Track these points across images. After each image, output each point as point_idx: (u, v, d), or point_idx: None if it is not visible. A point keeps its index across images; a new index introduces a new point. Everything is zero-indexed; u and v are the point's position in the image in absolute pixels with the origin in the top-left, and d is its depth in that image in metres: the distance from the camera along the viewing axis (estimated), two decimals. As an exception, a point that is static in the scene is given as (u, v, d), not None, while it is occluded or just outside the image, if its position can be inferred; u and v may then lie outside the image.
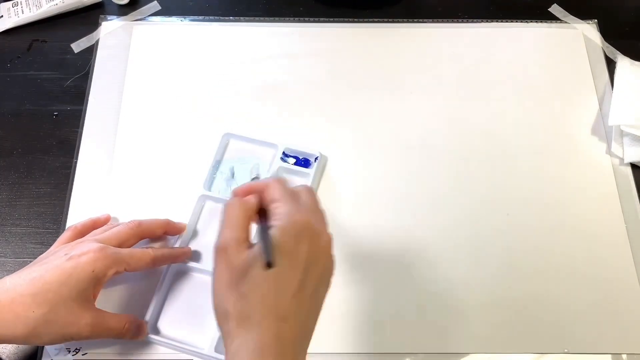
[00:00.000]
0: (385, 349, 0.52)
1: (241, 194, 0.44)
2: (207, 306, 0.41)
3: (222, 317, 0.39)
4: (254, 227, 0.42)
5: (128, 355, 0.51)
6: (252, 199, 0.43)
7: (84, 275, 0.45)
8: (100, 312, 0.47)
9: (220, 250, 0.40)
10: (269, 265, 0.37)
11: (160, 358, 0.51)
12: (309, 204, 0.42)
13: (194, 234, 0.57)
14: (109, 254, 0.47)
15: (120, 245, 0.50)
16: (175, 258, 0.53)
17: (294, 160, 0.60)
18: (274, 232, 0.39)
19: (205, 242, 0.56)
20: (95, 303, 0.48)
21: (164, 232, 0.55)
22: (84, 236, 0.52)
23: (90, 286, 0.46)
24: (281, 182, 0.43)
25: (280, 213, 0.40)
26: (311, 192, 0.44)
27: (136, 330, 0.50)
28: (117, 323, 0.48)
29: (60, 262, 0.46)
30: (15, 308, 0.43)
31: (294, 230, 0.39)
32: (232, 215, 0.41)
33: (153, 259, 0.50)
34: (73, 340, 0.49)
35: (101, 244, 0.48)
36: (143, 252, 0.50)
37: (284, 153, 0.59)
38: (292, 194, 0.42)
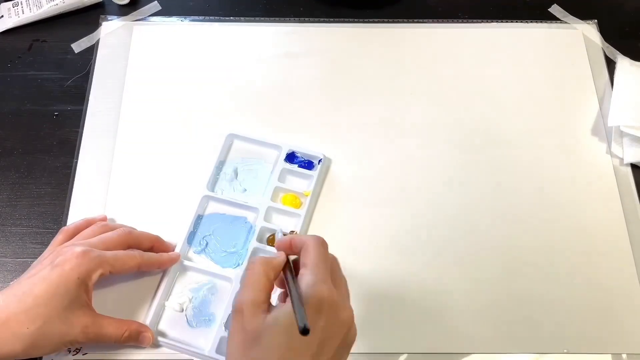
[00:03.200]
0: (385, 349, 0.52)
1: (281, 248, 0.43)
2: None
3: None
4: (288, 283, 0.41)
5: (128, 355, 0.51)
6: (276, 261, 0.42)
7: (71, 283, 0.45)
8: (98, 317, 0.47)
9: (236, 311, 0.40)
10: (304, 331, 0.35)
11: (161, 358, 0.51)
12: (336, 274, 0.42)
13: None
14: (92, 257, 0.47)
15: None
16: (162, 264, 0.52)
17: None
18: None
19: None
20: (94, 305, 0.48)
21: (151, 245, 0.53)
22: None
23: (80, 292, 0.46)
24: (318, 245, 0.42)
25: (305, 282, 0.39)
26: (336, 261, 0.43)
27: (137, 338, 0.49)
28: (115, 330, 0.48)
29: (46, 272, 0.46)
30: (11, 326, 0.44)
31: (314, 304, 0.38)
32: (253, 275, 0.41)
33: (139, 263, 0.50)
34: (73, 346, 0.49)
35: (84, 247, 0.47)
36: (128, 255, 0.50)
37: (287, 154, 0.59)
38: (324, 261, 0.41)
